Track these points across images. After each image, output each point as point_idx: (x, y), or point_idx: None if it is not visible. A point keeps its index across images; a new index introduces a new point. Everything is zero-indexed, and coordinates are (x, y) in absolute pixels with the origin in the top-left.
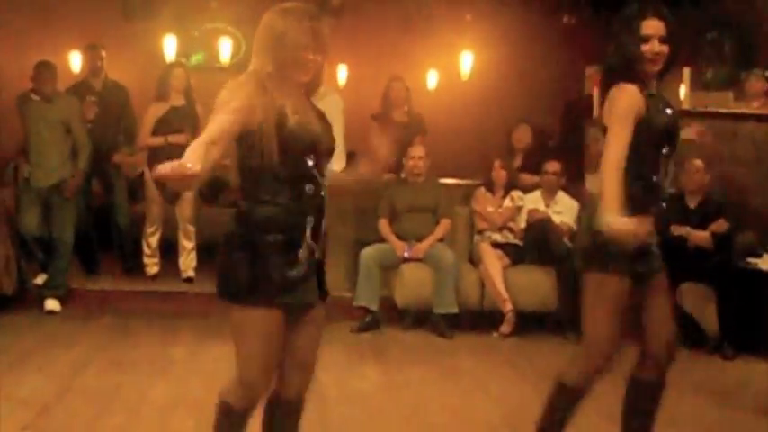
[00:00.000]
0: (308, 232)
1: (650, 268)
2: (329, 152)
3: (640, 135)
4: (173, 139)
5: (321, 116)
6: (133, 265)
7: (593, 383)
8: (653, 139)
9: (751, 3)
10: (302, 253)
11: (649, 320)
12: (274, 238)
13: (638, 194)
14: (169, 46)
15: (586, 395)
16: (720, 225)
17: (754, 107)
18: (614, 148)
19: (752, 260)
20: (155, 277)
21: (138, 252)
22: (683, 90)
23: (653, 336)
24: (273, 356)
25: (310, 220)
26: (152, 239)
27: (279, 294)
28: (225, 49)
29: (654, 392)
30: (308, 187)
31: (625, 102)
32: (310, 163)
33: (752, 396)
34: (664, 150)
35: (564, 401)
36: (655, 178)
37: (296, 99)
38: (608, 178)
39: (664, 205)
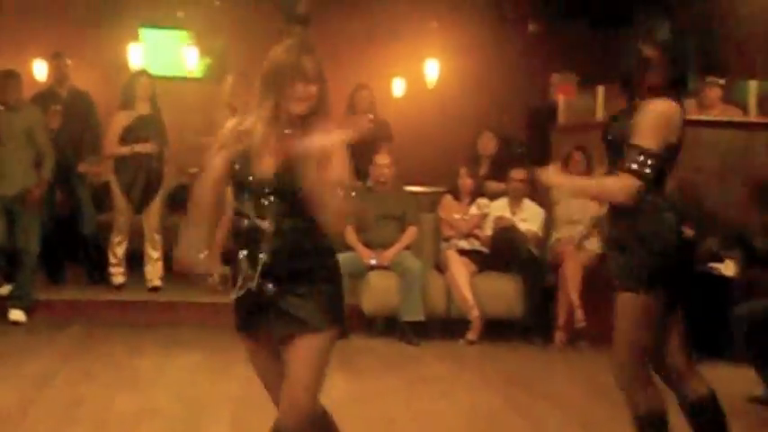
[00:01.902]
0: (244, 264)
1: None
2: (283, 192)
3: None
4: (139, 148)
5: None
6: (99, 275)
7: (663, 398)
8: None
9: (710, 11)
10: (240, 281)
11: (675, 340)
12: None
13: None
14: (134, 54)
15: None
16: (683, 232)
17: (713, 115)
18: None
19: (714, 265)
20: (121, 287)
21: (103, 262)
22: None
23: (683, 356)
24: (265, 379)
25: (243, 253)
26: (118, 249)
27: (240, 324)
28: (190, 58)
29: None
30: (245, 222)
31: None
32: (247, 201)
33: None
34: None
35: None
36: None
37: (278, 136)
38: None
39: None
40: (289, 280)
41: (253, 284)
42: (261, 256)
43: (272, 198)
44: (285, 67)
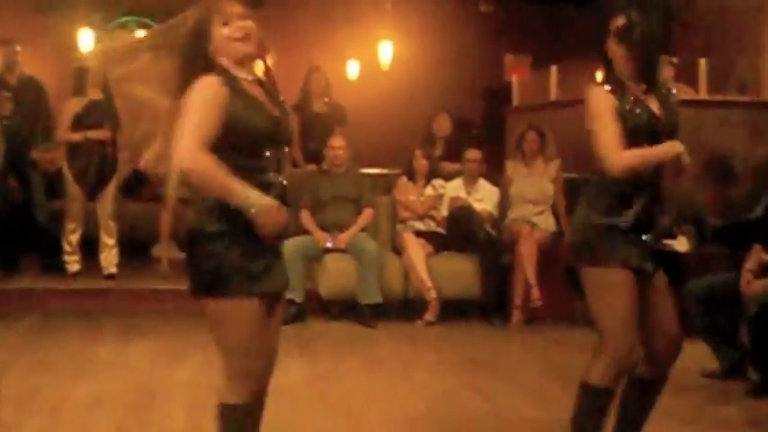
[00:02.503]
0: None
1: (651, 265)
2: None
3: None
4: (92, 134)
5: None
6: (53, 263)
7: (620, 380)
8: (630, 141)
9: None
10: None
11: (654, 320)
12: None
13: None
14: (84, 40)
15: (615, 394)
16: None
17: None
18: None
19: (668, 242)
20: (76, 275)
21: (58, 250)
22: (599, 77)
23: (659, 335)
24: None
25: None
26: (72, 237)
27: (248, 283)
28: None
29: (654, 390)
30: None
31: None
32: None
33: (673, 376)
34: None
35: (593, 403)
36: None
37: (246, 82)
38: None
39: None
40: None
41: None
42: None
43: (286, 149)
44: (212, 10)
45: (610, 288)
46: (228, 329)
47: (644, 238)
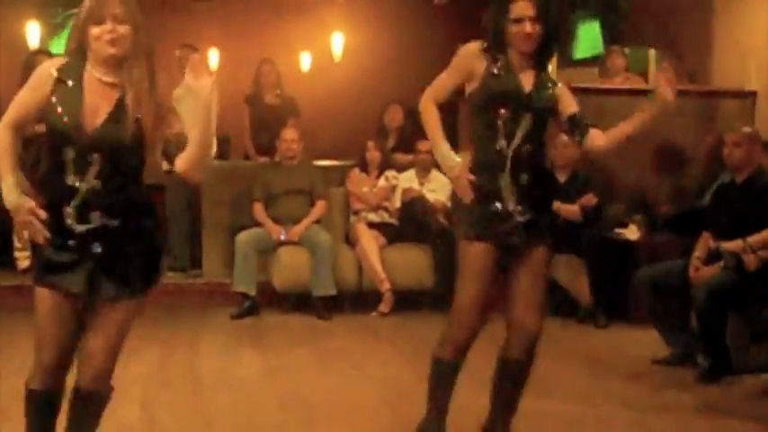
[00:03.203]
0: (69, 221)
1: (517, 239)
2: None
3: (476, 98)
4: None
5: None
6: (3, 260)
7: (462, 354)
8: (487, 104)
9: None
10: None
11: (514, 295)
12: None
13: (481, 159)
14: (32, 33)
15: (459, 368)
16: (589, 199)
17: (616, 83)
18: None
19: (619, 231)
20: (26, 271)
21: (8, 246)
22: (549, 67)
23: (517, 312)
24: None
25: (68, 210)
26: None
27: (41, 273)
28: None
29: (519, 372)
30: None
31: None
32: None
33: (625, 363)
34: (502, 112)
35: (437, 375)
36: (497, 144)
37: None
38: (422, 113)
39: (526, 177)
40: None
41: (95, 248)
42: (94, 216)
43: (95, 155)
44: (92, 8)
45: (466, 264)
46: (34, 316)
47: (494, 207)
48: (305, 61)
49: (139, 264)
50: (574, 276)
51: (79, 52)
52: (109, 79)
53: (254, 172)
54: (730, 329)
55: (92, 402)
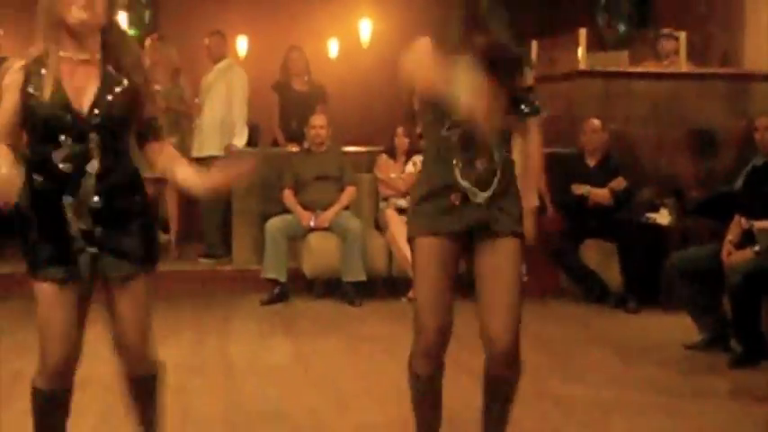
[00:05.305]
0: (70, 210)
1: (464, 224)
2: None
3: None
4: None
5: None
6: None
7: (436, 364)
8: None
9: None
10: (72, 228)
11: (481, 305)
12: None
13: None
14: None
15: (437, 382)
16: (619, 182)
17: (664, 65)
18: None
19: (650, 215)
20: None
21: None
22: (580, 51)
23: (484, 325)
24: (61, 330)
25: (68, 199)
26: None
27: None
28: None
29: (501, 387)
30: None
31: None
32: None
33: (657, 348)
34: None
35: (415, 393)
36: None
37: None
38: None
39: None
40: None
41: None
42: (95, 200)
43: (92, 135)
44: None
45: (415, 261)
46: (36, 310)
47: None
48: (333, 48)
49: (138, 239)
50: (605, 261)
51: (50, 37)
52: (85, 56)
53: (283, 159)
54: (764, 314)
55: (143, 385)
